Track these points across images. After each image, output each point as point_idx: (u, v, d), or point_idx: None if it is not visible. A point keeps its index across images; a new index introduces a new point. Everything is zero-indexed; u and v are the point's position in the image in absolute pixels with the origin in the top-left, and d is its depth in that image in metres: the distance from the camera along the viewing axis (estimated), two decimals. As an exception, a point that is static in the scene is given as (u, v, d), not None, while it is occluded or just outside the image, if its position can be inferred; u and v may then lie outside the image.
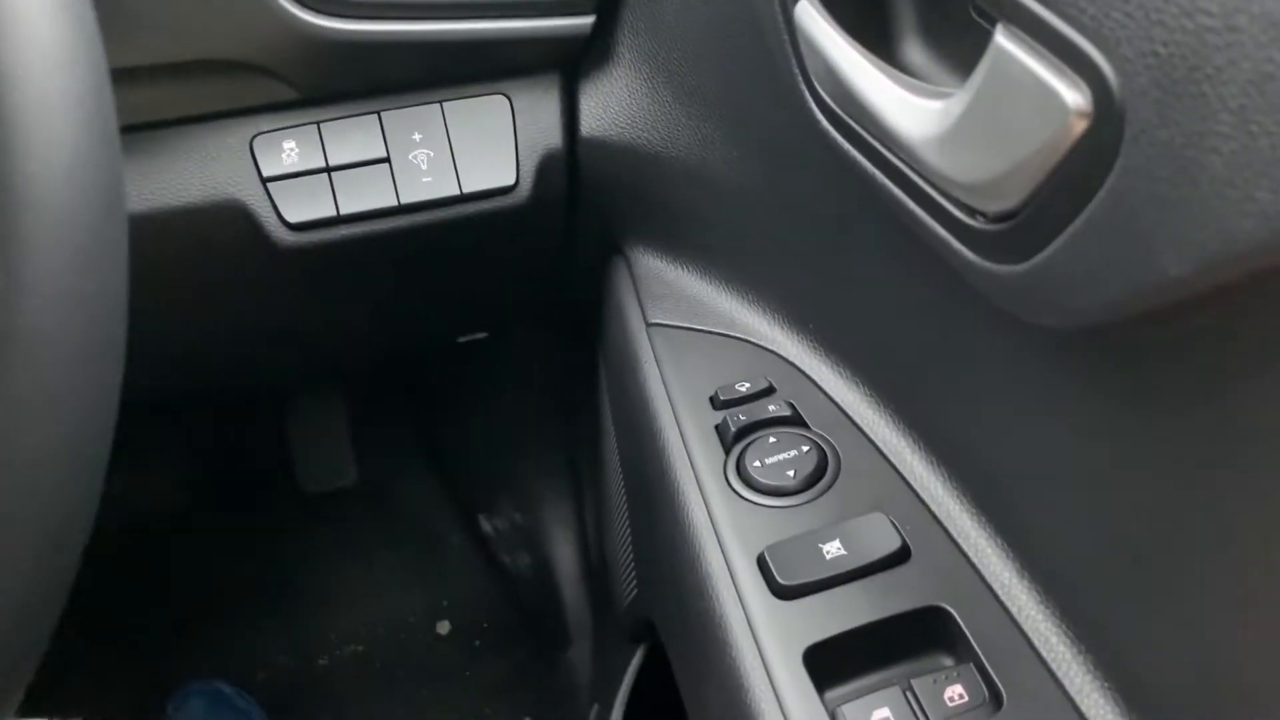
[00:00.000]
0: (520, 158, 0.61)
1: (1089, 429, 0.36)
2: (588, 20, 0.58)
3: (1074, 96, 0.28)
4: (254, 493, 1.16)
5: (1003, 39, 0.30)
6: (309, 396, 1.14)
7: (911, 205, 0.38)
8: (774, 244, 0.56)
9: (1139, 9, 0.26)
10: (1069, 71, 0.28)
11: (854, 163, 0.41)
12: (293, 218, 0.57)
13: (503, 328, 0.91)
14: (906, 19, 0.41)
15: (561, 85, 0.62)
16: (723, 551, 0.49)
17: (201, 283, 0.62)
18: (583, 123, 0.62)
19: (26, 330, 0.24)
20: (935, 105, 0.35)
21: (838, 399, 0.54)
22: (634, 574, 0.63)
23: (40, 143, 0.25)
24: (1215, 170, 0.25)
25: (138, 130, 0.55)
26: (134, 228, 0.56)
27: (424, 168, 0.59)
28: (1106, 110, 0.27)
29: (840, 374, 0.55)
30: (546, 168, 0.61)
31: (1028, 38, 0.29)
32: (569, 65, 0.61)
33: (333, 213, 0.58)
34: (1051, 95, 0.29)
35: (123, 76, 0.52)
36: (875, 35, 0.41)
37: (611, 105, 0.61)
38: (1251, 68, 0.23)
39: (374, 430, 1.17)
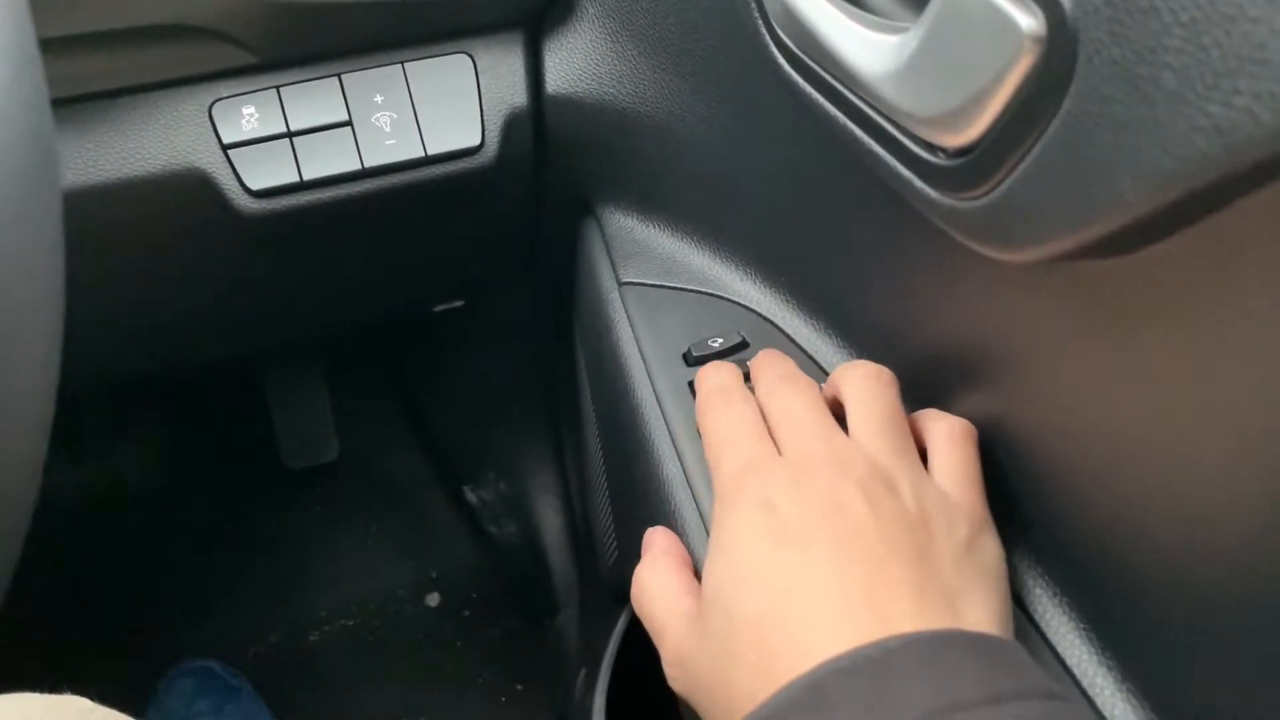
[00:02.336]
0: (485, 118, 0.60)
1: (1058, 364, 0.36)
2: (549, -24, 0.58)
3: (1027, 21, 0.28)
4: (237, 469, 1.15)
5: (956, -32, 0.30)
6: (289, 371, 1.13)
7: (872, 144, 0.38)
8: (743, 197, 0.55)
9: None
10: (1022, -4, 0.28)
11: (816, 105, 0.41)
12: (255, 184, 0.56)
13: (478, 295, 0.90)
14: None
15: (525, 43, 0.61)
16: (697, 505, 0.49)
17: (165, 255, 0.61)
18: (548, 80, 0.61)
19: None
20: (892, 40, 0.34)
21: (811, 351, 0.54)
22: (614, 534, 0.63)
23: None
24: (1168, 86, 0.24)
25: (92, 99, 0.54)
26: (93, 200, 0.55)
27: (387, 130, 0.58)
28: (1060, 33, 0.27)
29: (813, 326, 0.54)
30: (512, 127, 0.61)
31: (982, -35, 0.29)
32: (532, 22, 0.60)
33: (295, 178, 0.57)
34: (1005, 21, 0.28)
35: (74, 43, 0.51)
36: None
37: (576, 62, 0.60)
38: (1201, -21, 0.23)
39: (355, 404, 1.17)
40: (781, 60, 0.42)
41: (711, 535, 0.41)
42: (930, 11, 0.32)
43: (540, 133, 0.62)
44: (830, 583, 0.36)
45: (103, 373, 0.73)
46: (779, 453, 0.42)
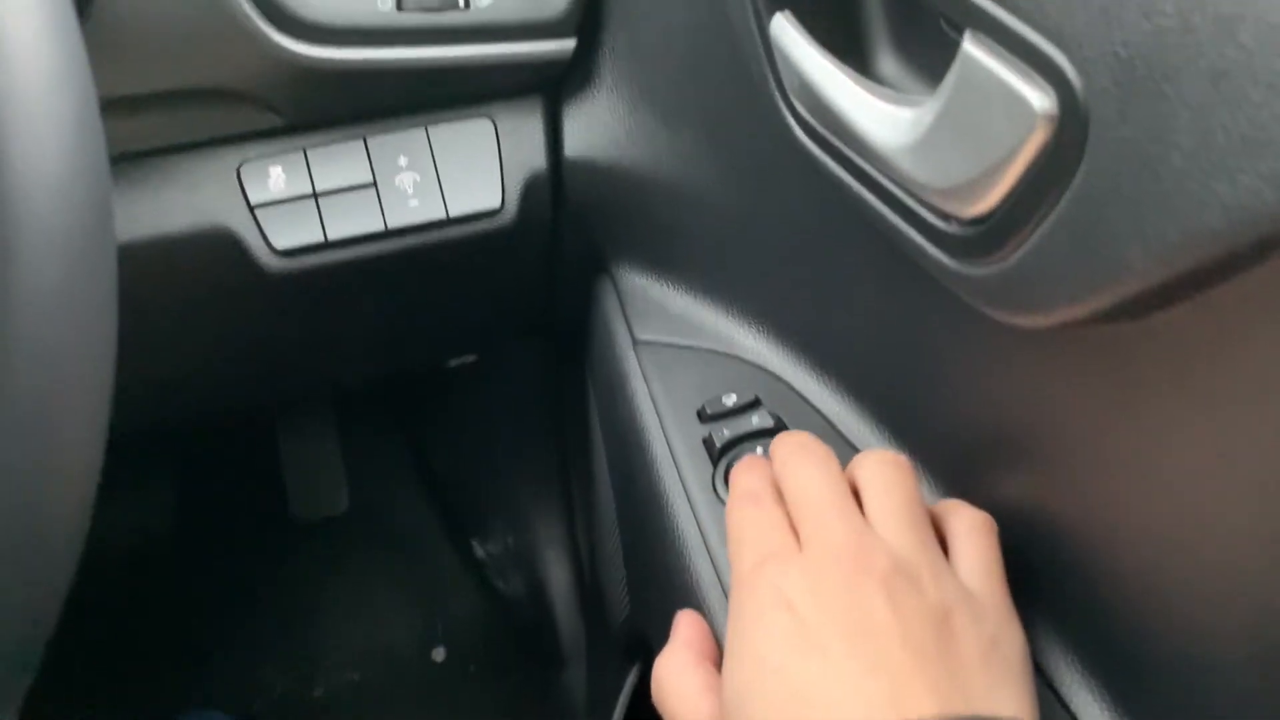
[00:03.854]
0: (505, 180, 0.61)
1: (1070, 425, 0.37)
2: (569, 44, 0.59)
3: (1040, 100, 0.29)
4: (245, 519, 1.16)
5: (970, 46, 0.31)
6: (301, 422, 1.14)
7: (887, 212, 0.39)
8: (757, 258, 0.56)
9: (1099, 12, 0.27)
10: (1034, 75, 0.29)
11: (830, 174, 0.42)
12: (280, 244, 0.58)
13: (492, 349, 0.91)
14: (879, 31, 0.42)
15: (545, 107, 0.63)
16: (713, 564, 0.49)
17: (189, 309, 0.62)
18: (567, 144, 0.63)
19: (19, 343, 0.25)
20: (907, 113, 0.35)
21: (823, 410, 0.55)
22: (626, 591, 0.64)
23: (32, 162, 0.26)
24: (1176, 165, 0.25)
25: (124, 160, 0.56)
26: (121, 257, 0.57)
27: (410, 191, 0.59)
28: (1071, 112, 0.28)
29: (825, 385, 0.55)
30: (531, 189, 0.62)
31: (994, 44, 0.30)
32: (552, 87, 0.62)
33: (320, 238, 0.58)
34: (1018, 100, 0.29)
35: (109, 106, 0.53)
36: (848, 47, 0.42)
37: (594, 126, 0.62)
38: (1208, 65, 0.24)
39: (366, 455, 1.17)
40: (797, 130, 0.43)
41: (730, 630, 0.40)
42: (946, 87, 0.33)
43: (558, 194, 0.64)
44: (852, 688, 0.35)
45: (120, 425, 0.73)
46: (798, 544, 0.41)
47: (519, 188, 0.62)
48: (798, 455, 0.44)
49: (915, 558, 0.39)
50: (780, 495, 0.44)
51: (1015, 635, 0.39)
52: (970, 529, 0.41)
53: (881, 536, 0.40)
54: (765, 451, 0.51)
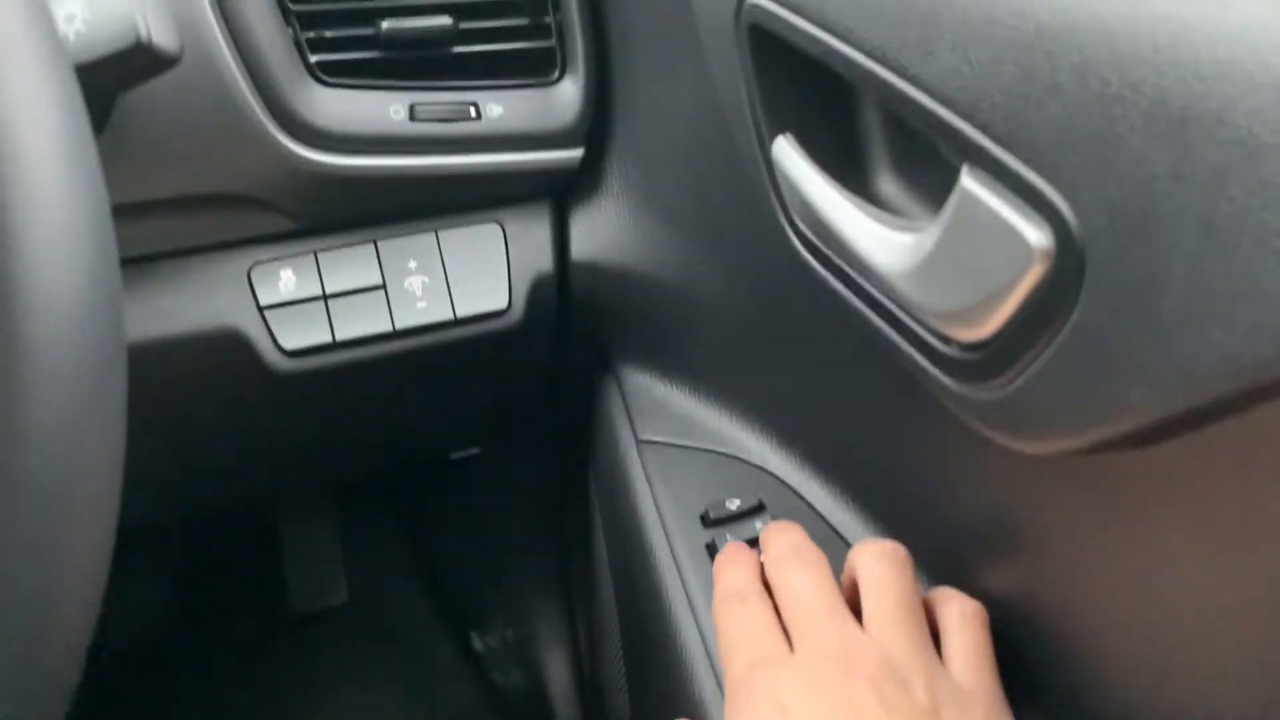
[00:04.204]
0: (513, 282, 0.62)
1: (1066, 541, 0.37)
2: (577, 153, 0.61)
3: (1037, 236, 0.30)
4: (244, 610, 1.14)
5: (968, 180, 0.32)
6: (301, 513, 1.14)
7: (888, 331, 0.39)
8: (760, 363, 0.57)
9: (1095, 156, 0.28)
10: (1031, 212, 0.30)
11: (833, 291, 0.43)
12: (289, 344, 0.58)
13: (495, 443, 0.91)
14: (879, 154, 0.43)
15: (552, 212, 0.64)
16: (715, 674, 0.49)
17: (195, 407, 0.63)
18: (573, 247, 0.64)
19: (25, 480, 0.25)
20: (907, 239, 0.36)
21: (827, 516, 0.55)
22: (627, 695, 0.63)
23: (45, 296, 0.26)
24: (1171, 309, 0.26)
25: (137, 261, 0.57)
26: (130, 357, 0.57)
27: (418, 293, 0.60)
28: (1068, 250, 0.29)
29: (829, 491, 0.55)
30: (538, 291, 0.63)
31: (992, 179, 0.31)
32: (560, 193, 0.64)
33: (328, 339, 0.59)
34: (1015, 235, 0.30)
35: (123, 212, 0.54)
36: (850, 170, 0.43)
37: (600, 231, 0.63)
38: (1199, 215, 0.25)
39: (366, 547, 1.16)
40: (800, 247, 0.44)
41: None
42: (944, 216, 0.34)
43: (564, 295, 0.65)
44: None
45: (121, 520, 0.73)
46: (790, 647, 0.42)
47: (526, 289, 0.63)
48: (789, 559, 0.45)
49: (906, 657, 0.39)
50: (766, 590, 0.45)
51: None
52: (962, 621, 0.42)
53: (874, 637, 0.40)
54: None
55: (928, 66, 0.33)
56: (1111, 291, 0.28)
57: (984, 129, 0.31)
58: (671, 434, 0.62)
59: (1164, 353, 0.26)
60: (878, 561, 0.44)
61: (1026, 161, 0.30)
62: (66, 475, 0.26)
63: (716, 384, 0.61)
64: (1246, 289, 0.24)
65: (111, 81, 0.36)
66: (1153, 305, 0.26)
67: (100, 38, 0.35)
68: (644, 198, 0.61)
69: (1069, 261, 0.29)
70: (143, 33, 0.35)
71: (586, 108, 0.60)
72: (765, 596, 0.45)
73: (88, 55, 0.35)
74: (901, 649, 0.40)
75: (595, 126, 0.61)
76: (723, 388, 0.61)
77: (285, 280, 0.59)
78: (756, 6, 0.42)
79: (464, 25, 0.58)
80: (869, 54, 0.36)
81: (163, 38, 0.36)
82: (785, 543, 0.46)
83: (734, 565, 0.47)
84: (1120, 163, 0.27)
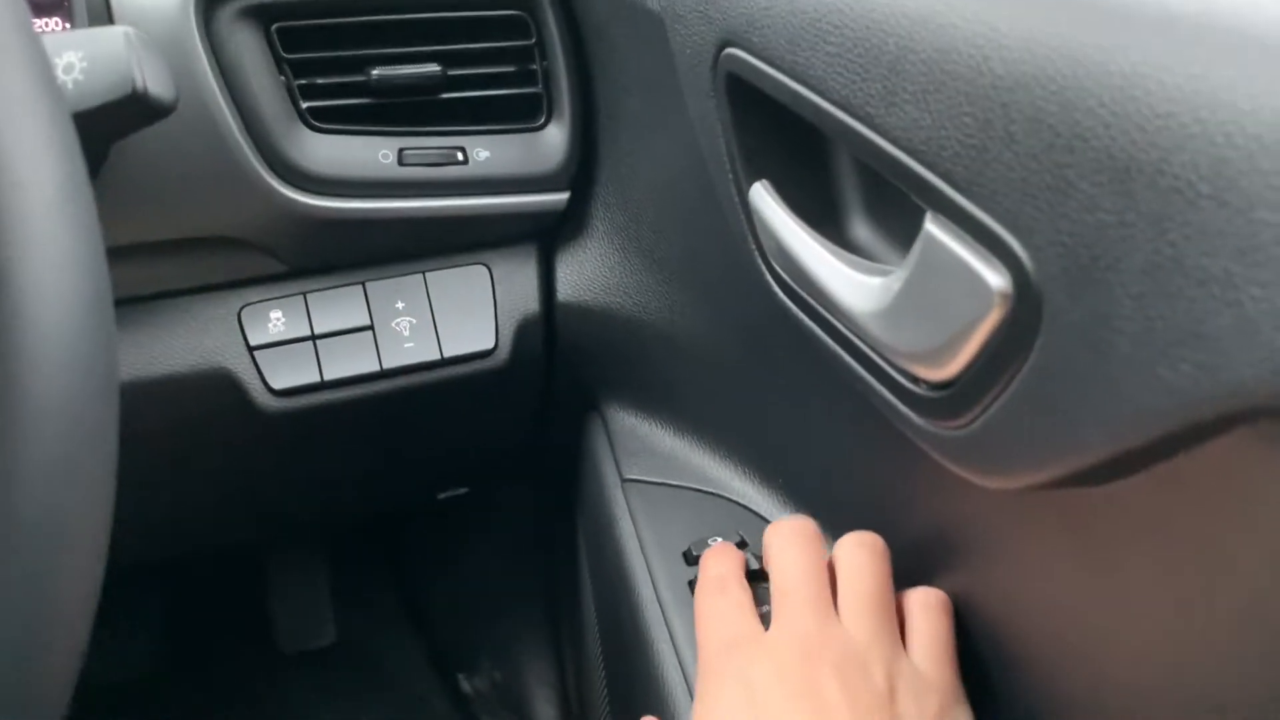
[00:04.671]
0: (499, 323, 0.63)
1: (1035, 571, 0.38)
2: (563, 196, 0.62)
3: (996, 280, 0.31)
4: (231, 651, 1.14)
5: (932, 226, 0.33)
6: (289, 554, 1.14)
7: (860, 370, 0.40)
8: (742, 402, 0.58)
9: (1048, 204, 0.29)
10: (991, 257, 0.31)
11: (809, 332, 0.44)
12: (278, 384, 0.59)
13: (482, 483, 0.92)
14: (852, 199, 0.45)
15: (539, 253, 0.65)
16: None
17: (183, 446, 0.63)
18: (559, 289, 0.65)
19: (16, 517, 0.26)
20: (876, 282, 0.37)
21: (808, 554, 0.55)
22: (612, 733, 0.63)
23: (40, 337, 0.27)
24: (1122, 349, 0.27)
25: (129, 302, 0.58)
26: (121, 396, 0.58)
27: (406, 334, 0.61)
28: (1025, 293, 0.30)
29: (810, 529, 0.56)
30: (524, 332, 0.64)
31: (954, 225, 0.32)
32: (546, 236, 0.65)
33: (317, 379, 0.60)
34: (976, 278, 0.31)
35: (116, 254, 0.55)
36: (824, 214, 0.44)
37: (586, 272, 0.64)
38: (1144, 259, 0.26)
39: (354, 588, 1.16)
40: (777, 290, 0.45)
41: (694, 710, 0.44)
42: (910, 261, 0.35)
43: (550, 336, 0.66)
44: None
45: (110, 559, 0.74)
46: (764, 628, 0.44)
47: (512, 330, 0.64)
48: (794, 538, 0.47)
49: (870, 643, 0.42)
50: (745, 581, 0.48)
51: (962, 713, 0.42)
52: (924, 607, 0.44)
53: (844, 623, 0.43)
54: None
55: (892, 116, 0.34)
56: (1067, 333, 0.29)
57: (945, 177, 0.32)
58: (656, 472, 0.62)
59: (1116, 392, 0.27)
60: (856, 549, 0.46)
61: (985, 208, 0.31)
62: (57, 514, 0.27)
63: (700, 423, 0.62)
64: (1190, 331, 0.25)
65: (108, 129, 0.37)
66: (1105, 346, 0.28)
67: (98, 87, 0.36)
68: (629, 240, 0.62)
69: (1026, 304, 0.30)
70: (139, 82, 0.37)
71: (572, 152, 0.62)
72: (745, 586, 0.48)
73: (85, 104, 0.36)
74: (867, 635, 0.43)
75: (581, 170, 0.62)
76: (706, 426, 0.62)
77: (275, 321, 0.60)
78: (733, 57, 0.44)
79: (453, 72, 0.59)
80: (837, 103, 0.37)
81: (158, 87, 0.37)
82: (795, 525, 0.48)
83: (719, 557, 0.50)
84: (1071, 210, 0.28)
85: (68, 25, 0.56)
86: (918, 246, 0.34)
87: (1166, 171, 0.25)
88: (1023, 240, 0.30)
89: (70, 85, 0.36)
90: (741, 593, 0.47)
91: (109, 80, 0.36)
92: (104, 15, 0.54)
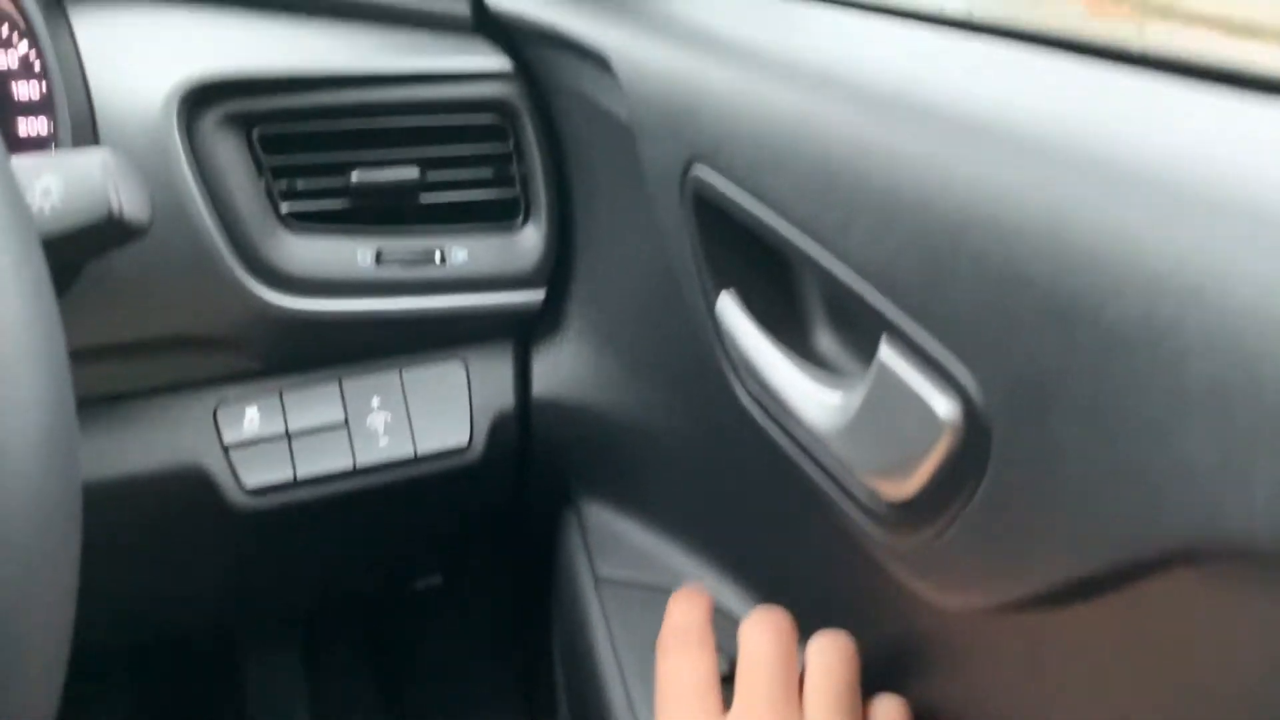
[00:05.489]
0: (474, 419, 0.64)
1: (997, 696, 0.38)
2: (539, 294, 0.63)
3: (946, 408, 0.31)
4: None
5: (886, 351, 0.34)
6: (264, 642, 1.12)
7: (824, 483, 0.41)
8: (714, 502, 0.58)
9: (995, 337, 0.30)
10: (942, 385, 0.32)
11: (774, 440, 0.44)
12: (251, 483, 0.59)
13: (457, 576, 0.92)
14: (815, 311, 0.46)
15: (515, 349, 0.66)
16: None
17: (155, 543, 0.63)
18: (535, 384, 0.66)
19: None
20: (836, 398, 0.38)
21: (779, 657, 0.55)
22: (584, 837, 0.62)
23: (3, 482, 0.28)
24: (1067, 484, 0.28)
25: (103, 401, 0.58)
26: (93, 494, 0.58)
27: (380, 431, 0.62)
28: (974, 422, 0.31)
29: (781, 631, 0.56)
30: (499, 428, 0.65)
31: (907, 351, 0.33)
32: (522, 332, 0.66)
33: (290, 477, 0.60)
34: (927, 406, 0.32)
35: (92, 354, 0.56)
36: (788, 325, 0.45)
37: (562, 369, 0.65)
38: (1085, 400, 0.27)
39: (329, 677, 1.15)
40: (744, 398, 0.46)
41: None
42: (867, 382, 0.36)
43: (525, 431, 0.66)
44: None
45: (80, 652, 0.73)
46: (723, 707, 0.44)
47: (487, 426, 0.64)
48: (763, 623, 0.47)
49: None
50: (710, 636, 0.48)
51: None
52: (886, 715, 0.44)
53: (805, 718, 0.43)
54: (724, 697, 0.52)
55: (850, 244, 0.35)
56: (1015, 464, 0.30)
57: (899, 305, 0.33)
58: (630, 570, 0.62)
59: (1063, 524, 0.28)
60: (828, 650, 0.46)
61: (937, 338, 0.32)
62: (16, 623, 0.27)
63: (673, 520, 0.62)
64: (1129, 473, 0.25)
65: (82, 251, 0.37)
66: (1051, 480, 0.28)
67: (73, 210, 0.37)
68: (603, 338, 0.63)
69: (976, 433, 0.31)
70: (114, 206, 0.38)
71: (549, 252, 0.63)
72: (708, 643, 0.48)
73: (60, 228, 0.37)
74: None
75: (557, 268, 0.63)
76: (679, 524, 0.62)
77: (250, 418, 0.60)
78: (700, 174, 0.45)
79: (431, 175, 0.60)
80: (799, 227, 0.38)
81: (134, 211, 0.38)
82: (771, 616, 0.48)
83: (686, 603, 0.50)
84: (1016, 346, 0.29)
85: (53, 126, 0.57)
86: (874, 369, 0.35)
87: (1103, 319, 0.26)
88: (972, 371, 0.31)
89: (47, 210, 0.37)
90: (702, 654, 0.47)
91: (84, 204, 0.37)
92: (87, 117, 0.55)
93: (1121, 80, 0.32)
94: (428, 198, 0.61)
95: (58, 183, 0.37)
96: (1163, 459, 0.25)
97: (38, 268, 0.31)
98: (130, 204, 0.38)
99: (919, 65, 0.38)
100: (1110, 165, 0.27)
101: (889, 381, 0.34)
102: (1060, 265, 0.27)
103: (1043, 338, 0.28)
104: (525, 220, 0.63)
